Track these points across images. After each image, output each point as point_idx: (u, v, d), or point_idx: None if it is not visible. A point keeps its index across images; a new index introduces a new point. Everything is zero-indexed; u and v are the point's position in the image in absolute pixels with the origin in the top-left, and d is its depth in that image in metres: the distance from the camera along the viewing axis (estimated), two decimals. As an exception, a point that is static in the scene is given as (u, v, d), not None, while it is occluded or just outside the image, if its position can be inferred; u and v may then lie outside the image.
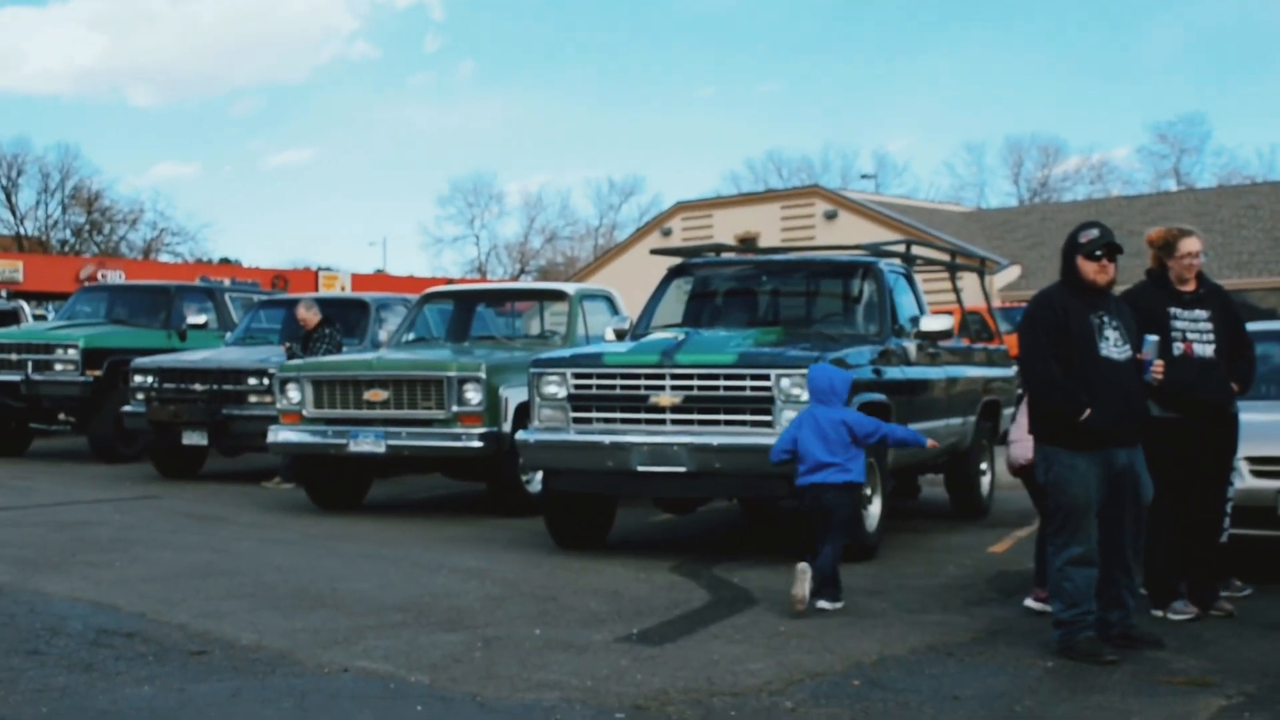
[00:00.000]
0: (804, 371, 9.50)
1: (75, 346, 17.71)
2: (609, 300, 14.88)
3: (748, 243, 40.67)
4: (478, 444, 12.18)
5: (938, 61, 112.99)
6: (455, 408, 12.24)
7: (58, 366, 17.76)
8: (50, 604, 8.22)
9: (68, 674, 6.48)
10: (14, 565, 9.61)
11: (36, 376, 17.77)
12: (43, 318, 24.79)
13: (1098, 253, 7.19)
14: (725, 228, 44.17)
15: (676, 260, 12.76)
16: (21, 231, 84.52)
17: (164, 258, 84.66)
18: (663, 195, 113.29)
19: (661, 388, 9.85)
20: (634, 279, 31.57)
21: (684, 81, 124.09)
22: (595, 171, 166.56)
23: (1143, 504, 7.25)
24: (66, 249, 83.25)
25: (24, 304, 23.61)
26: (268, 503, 13.79)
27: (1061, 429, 7.07)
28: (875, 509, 10.36)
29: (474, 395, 12.22)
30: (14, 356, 17.99)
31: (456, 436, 12.22)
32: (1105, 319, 7.21)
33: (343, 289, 70.49)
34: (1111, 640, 7.13)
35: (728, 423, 9.75)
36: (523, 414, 11.95)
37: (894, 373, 10.76)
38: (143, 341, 18.21)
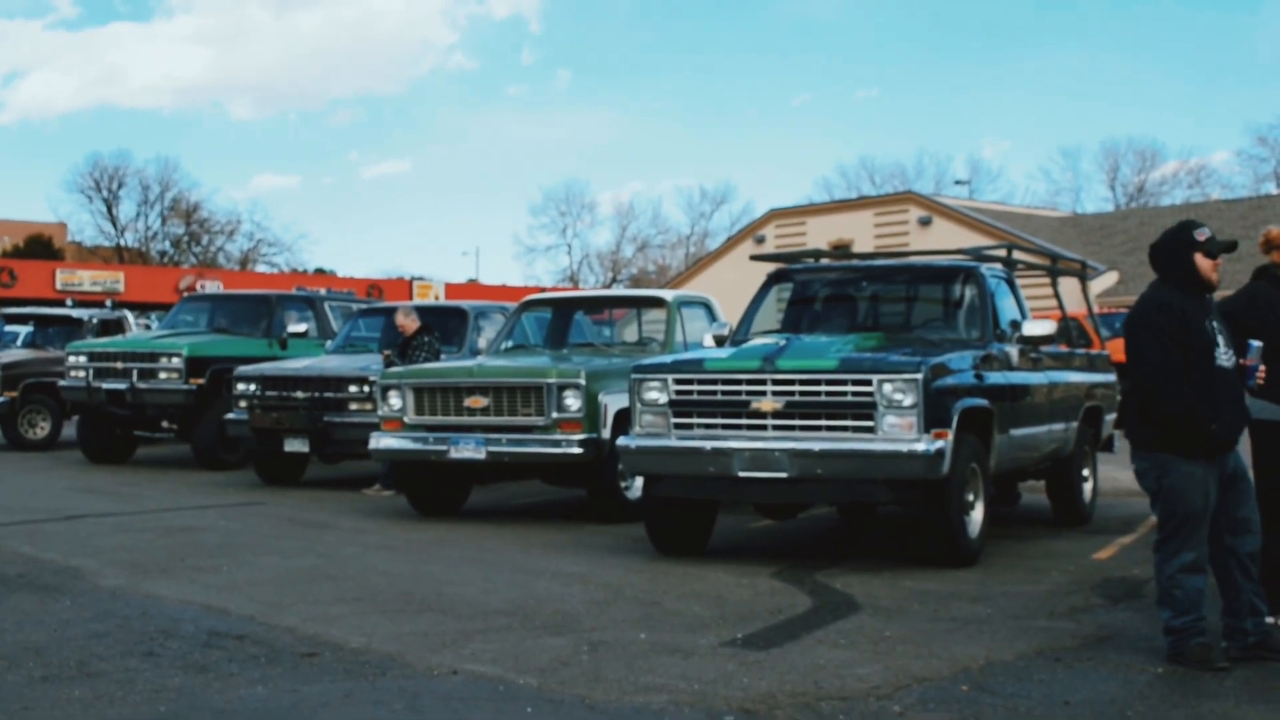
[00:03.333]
0: (906, 377, 9.48)
1: (179, 355, 17.98)
2: (707, 307, 14.90)
3: (841, 249, 40.57)
4: (577, 450, 12.23)
5: (1033, 66, 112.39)
6: (555, 414, 12.30)
7: (162, 375, 18.05)
8: (162, 607, 8.36)
9: (183, 675, 6.59)
10: (125, 569, 9.78)
11: (141, 385, 18.07)
12: (147, 327, 25.17)
13: (1215, 251, 7.08)
14: (818, 235, 44.06)
15: (775, 266, 12.75)
16: (122, 243, 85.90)
17: (260, 268, 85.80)
18: (754, 203, 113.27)
19: (763, 393, 9.84)
20: (727, 287, 31.60)
21: (777, 89, 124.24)
22: (687, 180, 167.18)
23: (1254, 506, 7.15)
24: (165, 260, 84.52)
25: (128, 313, 23.99)
26: (369, 509, 13.92)
27: (1180, 438, 6.94)
28: (977, 515, 10.29)
29: (573, 402, 12.28)
30: (119, 365, 18.32)
31: (556, 443, 12.28)
32: (1215, 324, 7.11)
33: (437, 298, 71.13)
34: (1250, 649, 7.02)
35: (829, 428, 9.72)
36: (622, 420, 12.00)
37: (996, 378, 10.68)
38: (245, 350, 18.46)
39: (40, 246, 77.33)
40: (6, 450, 21.03)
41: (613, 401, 12.30)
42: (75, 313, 23.68)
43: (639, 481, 12.38)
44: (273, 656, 6.99)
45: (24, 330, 24.36)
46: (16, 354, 22.04)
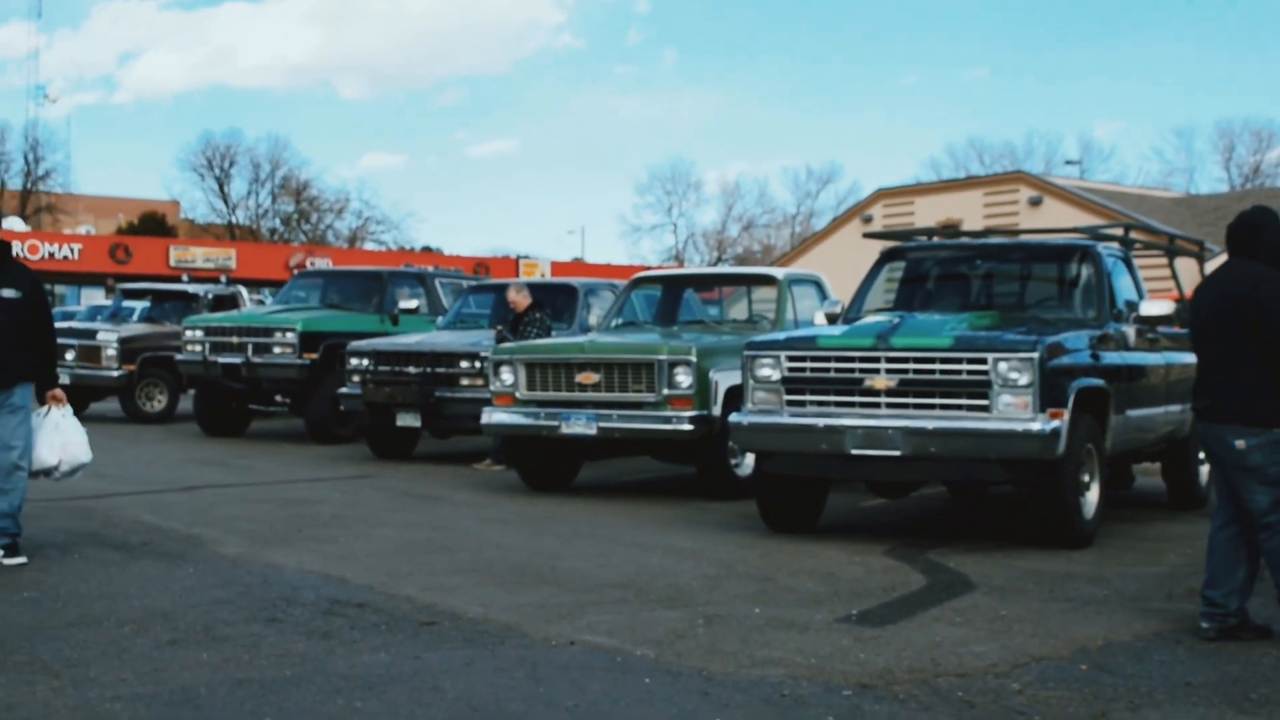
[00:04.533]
0: (1022, 356, 9.42)
1: (293, 330, 18.23)
2: (818, 285, 14.86)
3: (951, 229, 40.26)
4: (688, 427, 12.25)
5: (1147, 45, 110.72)
6: (666, 391, 12.33)
7: (276, 350, 18.30)
8: (282, 575, 8.50)
9: (306, 640, 6.71)
10: (245, 539, 9.95)
11: (256, 359, 18.36)
12: (260, 303, 25.54)
13: None
14: (926, 214, 43.68)
15: (887, 244, 12.69)
16: (233, 220, 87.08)
17: (368, 246, 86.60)
18: (861, 183, 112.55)
19: (876, 371, 9.81)
20: (833, 266, 31.40)
21: (885, 69, 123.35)
22: (793, 159, 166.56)
23: None
24: (275, 237, 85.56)
25: (243, 289, 24.33)
26: (480, 484, 14.05)
27: None
28: (1093, 496, 10.20)
29: (684, 379, 12.30)
30: (235, 340, 18.62)
31: (667, 419, 12.31)
32: None
33: (543, 276, 71.32)
34: (1229, 630, 7.03)
35: (943, 406, 9.67)
36: (732, 397, 12.02)
37: (1112, 358, 10.58)
38: (357, 325, 18.68)
39: (154, 224, 78.60)
40: (124, 423, 21.43)
41: (724, 378, 12.32)
42: (191, 288, 24.07)
43: (749, 458, 12.41)
44: (393, 624, 7.10)
45: (141, 305, 24.76)
46: (134, 328, 22.45)
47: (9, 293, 8.97)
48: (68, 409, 9.43)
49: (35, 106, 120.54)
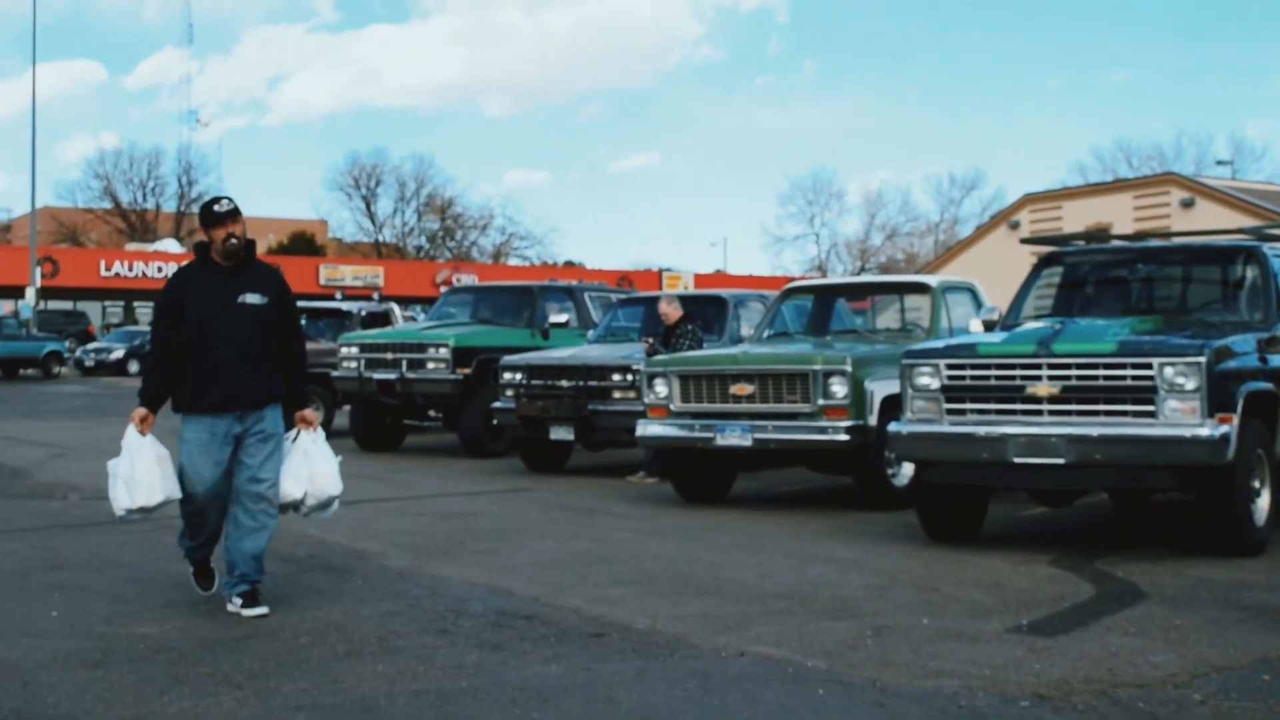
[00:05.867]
0: (1189, 360, 9.24)
1: (447, 345, 18.43)
2: (972, 292, 14.70)
3: (1101, 233, 39.67)
4: (844, 437, 12.18)
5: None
6: (821, 401, 12.27)
7: (430, 365, 18.51)
8: (449, 588, 8.60)
9: (478, 652, 6.78)
10: (408, 552, 10.08)
11: (410, 375, 18.58)
12: (412, 319, 25.86)
13: None
14: (1075, 219, 43.11)
15: (1043, 250, 12.53)
16: (379, 238, 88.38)
17: (512, 261, 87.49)
18: (1005, 188, 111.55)
19: (1039, 378, 9.68)
20: (980, 273, 31.06)
21: (1028, 72, 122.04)
22: (936, 166, 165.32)
23: None
24: (421, 255, 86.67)
25: (395, 306, 24.67)
26: (635, 496, 14.09)
27: None
28: (1263, 502, 9.97)
29: (840, 389, 12.23)
30: (389, 356, 18.88)
31: (823, 430, 12.25)
32: None
33: (686, 289, 71.48)
34: None
35: (1107, 413, 9.52)
36: (888, 407, 11.94)
37: (1281, 361, 10.33)
38: (508, 340, 18.83)
39: (303, 243, 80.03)
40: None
41: (879, 388, 12.23)
42: (344, 305, 24.45)
43: (906, 468, 12.32)
44: (561, 636, 7.14)
45: (295, 323, 25.16)
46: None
47: (254, 298, 7.86)
48: (319, 434, 8.23)
49: (188, 131, 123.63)
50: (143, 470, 7.66)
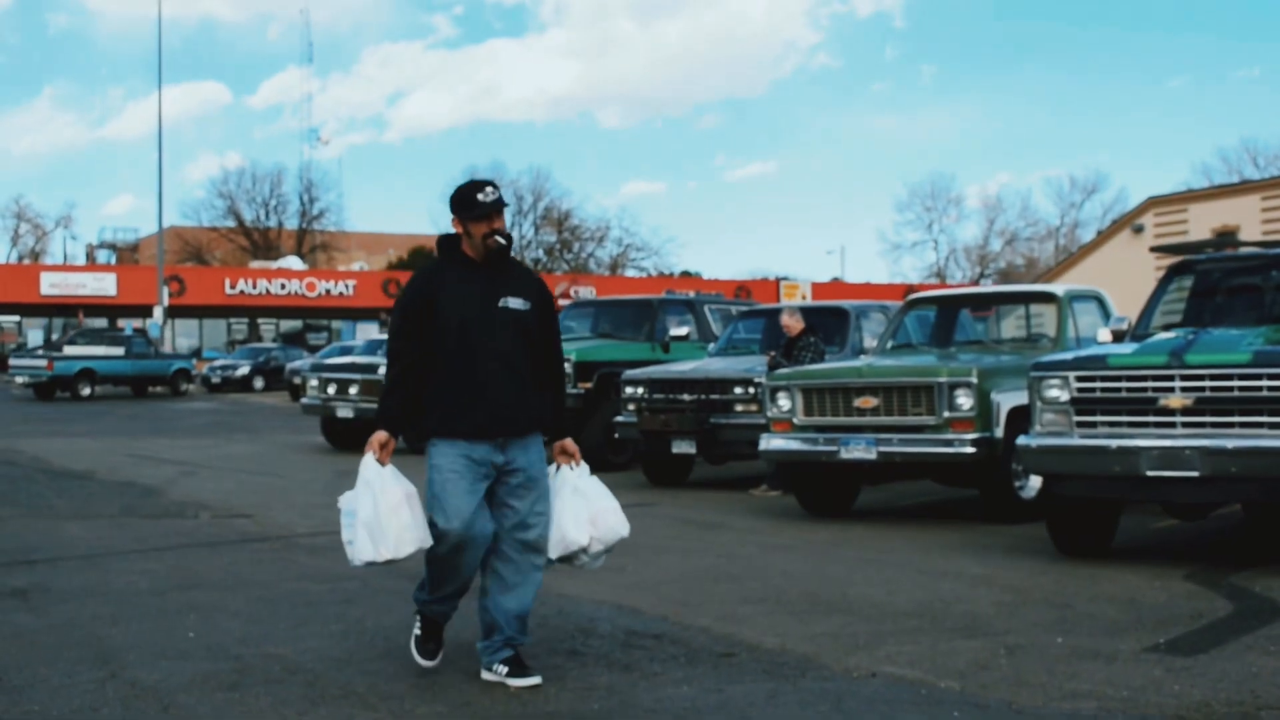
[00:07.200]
0: (1327, 370, 9.04)
1: (569, 360, 18.48)
2: (1099, 300, 14.49)
3: (1226, 237, 38.95)
4: (970, 450, 12.06)
5: None
6: (947, 413, 12.16)
7: (552, 379, 18.53)
8: (577, 606, 8.60)
9: (609, 673, 6.77)
10: (535, 569, 10.09)
11: (533, 389, 18.61)
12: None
13: None
14: (1200, 222, 42.42)
15: (1172, 259, 12.32)
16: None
17: (629, 273, 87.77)
18: (1127, 191, 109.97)
19: (1171, 389, 9.51)
20: (1103, 279, 30.65)
21: (1151, 72, 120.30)
22: (1056, 170, 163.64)
23: None
24: (539, 267, 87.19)
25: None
26: (758, 509, 14.05)
27: None
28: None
29: (965, 400, 12.11)
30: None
31: (948, 442, 12.13)
32: None
33: (804, 298, 71.36)
34: None
35: (1243, 425, 9.32)
36: (1015, 419, 11.81)
37: None
38: (629, 354, 18.88)
39: (423, 258, 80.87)
40: (404, 452, 21.87)
41: (1005, 399, 12.09)
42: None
43: (1033, 479, 12.16)
44: (691, 656, 7.13)
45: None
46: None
47: (517, 303, 6.59)
48: (584, 466, 6.86)
49: (309, 149, 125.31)
50: (388, 512, 6.33)
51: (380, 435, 6.42)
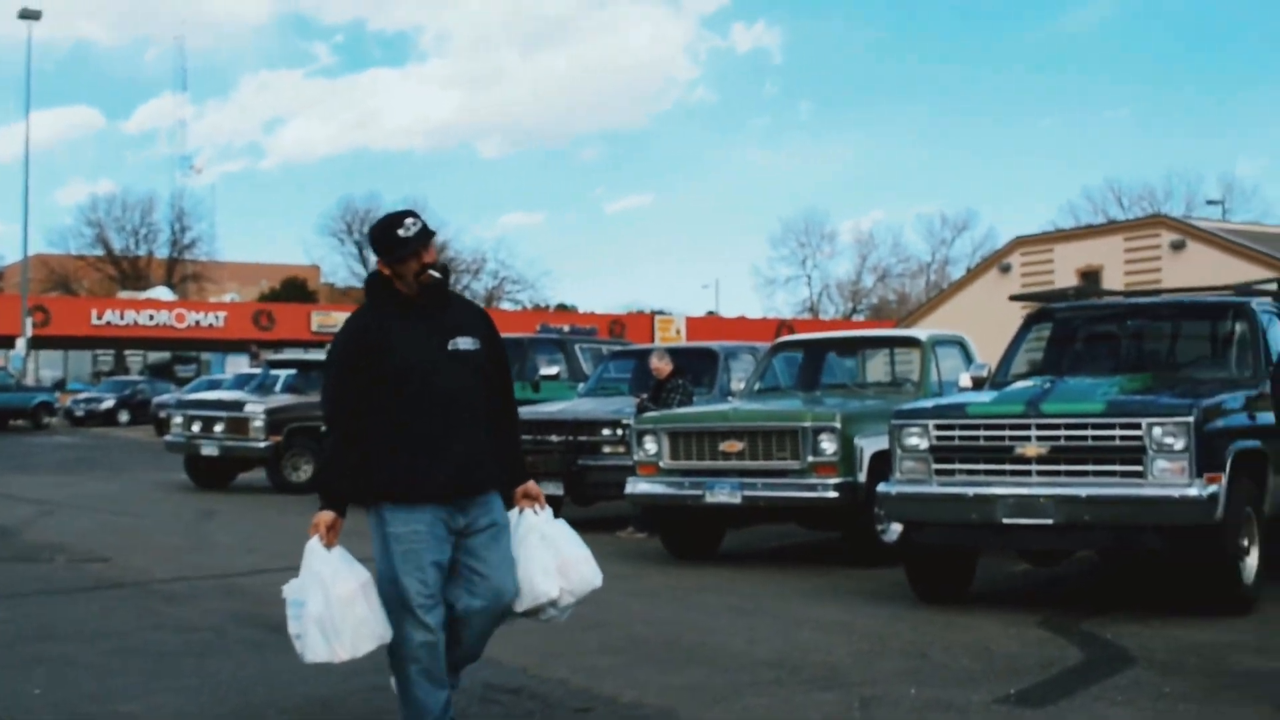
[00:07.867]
0: (1177, 420, 9.23)
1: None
2: (962, 345, 14.70)
3: (1090, 278, 39.75)
4: (833, 494, 12.16)
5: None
6: (811, 458, 12.25)
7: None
8: (436, 657, 8.51)
9: (463, 729, 6.72)
10: (396, 617, 9.98)
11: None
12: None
13: None
14: (1065, 262, 43.25)
15: (1033, 306, 12.54)
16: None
17: (504, 306, 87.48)
18: (997, 229, 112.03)
19: (1027, 439, 9.67)
20: (971, 317, 31.17)
21: (1022, 112, 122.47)
22: (928, 206, 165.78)
23: None
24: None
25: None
26: (624, 552, 14.03)
27: None
28: (1252, 561, 9.93)
29: (829, 445, 12.21)
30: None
31: (812, 487, 12.23)
32: None
33: (678, 332, 71.67)
34: None
35: (1096, 473, 9.50)
36: (878, 463, 11.92)
37: (1268, 418, 10.30)
38: (499, 393, 18.74)
39: (295, 289, 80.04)
40: (270, 493, 21.72)
41: (868, 444, 12.21)
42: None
43: (895, 525, 12.28)
44: (547, 712, 7.09)
45: (285, 374, 25.13)
46: (280, 400, 22.83)
47: (466, 343, 5.89)
48: (548, 510, 6.27)
49: (181, 176, 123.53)
50: (341, 606, 5.64)
51: (326, 516, 5.72)
